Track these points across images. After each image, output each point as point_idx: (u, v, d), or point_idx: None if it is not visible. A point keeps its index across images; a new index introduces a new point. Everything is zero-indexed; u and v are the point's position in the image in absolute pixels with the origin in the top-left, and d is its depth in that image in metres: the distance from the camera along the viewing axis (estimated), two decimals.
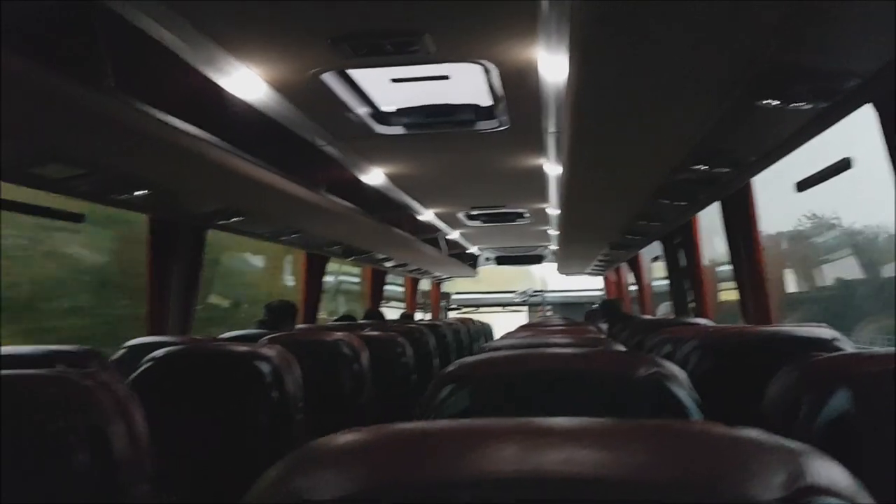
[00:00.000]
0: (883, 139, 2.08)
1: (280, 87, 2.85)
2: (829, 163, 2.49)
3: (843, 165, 2.49)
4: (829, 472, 0.59)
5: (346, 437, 0.68)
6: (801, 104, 1.92)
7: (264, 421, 2.27)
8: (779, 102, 1.91)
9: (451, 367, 1.63)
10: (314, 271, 6.01)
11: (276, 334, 3.12)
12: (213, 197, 3.40)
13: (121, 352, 3.22)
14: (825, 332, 2.13)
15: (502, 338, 3.33)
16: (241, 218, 3.68)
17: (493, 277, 13.38)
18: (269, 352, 2.32)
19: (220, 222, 3.78)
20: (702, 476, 0.57)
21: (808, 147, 2.49)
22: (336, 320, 6.09)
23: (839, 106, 2.00)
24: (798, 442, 0.63)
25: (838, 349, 2.03)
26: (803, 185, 2.70)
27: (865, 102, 2.05)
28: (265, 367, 2.28)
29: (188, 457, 2.34)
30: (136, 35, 2.18)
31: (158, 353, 2.46)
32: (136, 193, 3.08)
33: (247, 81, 2.73)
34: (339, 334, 3.05)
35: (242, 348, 2.39)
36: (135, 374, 2.41)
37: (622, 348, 2.39)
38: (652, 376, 1.45)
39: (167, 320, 3.83)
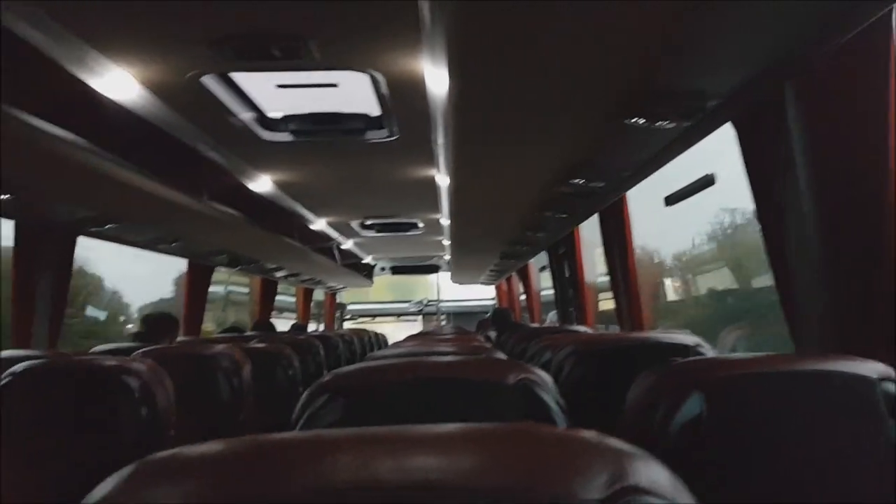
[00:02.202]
0: (742, 156, 2.22)
1: (156, 90, 2.74)
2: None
3: (708, 181, 2.64)
4: (650, 472, 0.62)
5: (179, 452, 0.66)
6: (665, 123, 2.02)
7: (133, 439, 2.17)
8: (645, 121, 2.01)
9: (325, 378, 1.61)
10: (198, 281, 5.81)
11: (150, 347, 2.99)
12: (83, 202, 3.23)
13: None
14: (688, 338, 2.25)
15: (389, 347, 3.33)
16: (114, 224, 3.51)
17: (392, 287, 13.39)
18: (138, 366, 2.22)
19: (92, 229, 3.59)
20: (525, 478, 0.59)
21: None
22: (221, 332, 5.90)
23: (702, 125, 2.13)
24: (624, 442, 0.65)
25: (699, 354, 2.14)
26: (671, 200, 2.84)
27: (726, 121, 2.19)
28: (133, 383, 2.17)
29: (49, 479, 2.20)
30: None
31: (17, 367, 2.30)
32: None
33: (120, 82, 2.61)
34: (218, 347, 2.95)
35: (109, 362, 2.27)
36: None
37: (502, 356, 2.43)
38: (520, 382, 1.48)
39: (33, 333, 3.60)
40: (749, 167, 2.19)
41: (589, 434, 0.66)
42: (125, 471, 0.64)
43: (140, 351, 2.85)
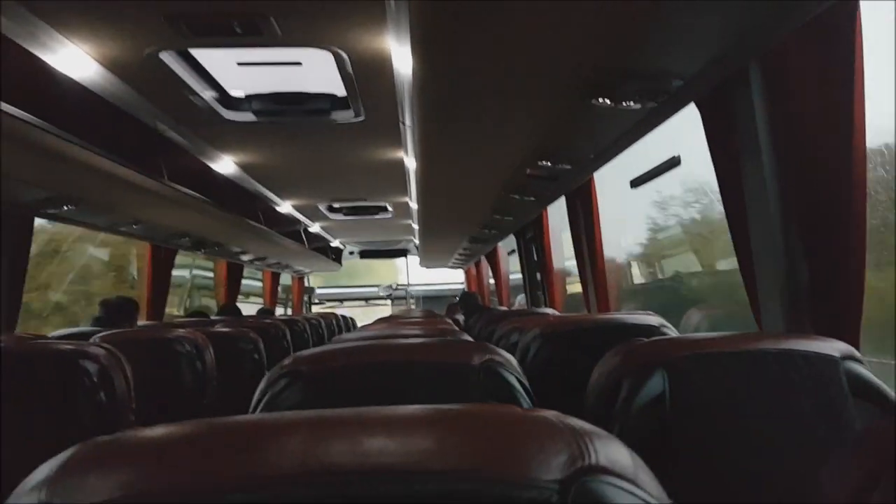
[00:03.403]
0: (706, 138, 2.23)
1: (113, 67, 2.66)
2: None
3: (674, 163, 2.65)
4: (609, 451, 0.60)
5: (123, 435, 0.63)
6: (630, 104, 2.01)
7: (90, 424, 2.11)
8: (610, 102, 2.00)
9: (286, 361, 1.58)
10: (160, 264, 5.69)
11: (109, 332, 2.92)
12: (40, 183, 3.14)
13: None
14: (652, 319, 2.27)
15: (356, 330, 3.30)
16: (72, 206, 3.41)
17: (360, 270, 13.32)
18: (95, 350, 2.16)
19: (50, 211, 3.49)
20: (483, 459, 0.57)
21: None
22: (186, 317, 5.81)
23: (666, 105, 2.12)
24: (585, 422, 0.64)
25: (663, 335, 2.16)
26: (636, 182, 2.85)
27: (689, 102, 2.19)
28: (91, 367, 2.12)
29: (3, 464, 2.14)
30: None
31: None
32: None
33: (75, 59, 2.53)
34: (180, 331, 2.90)
35: (66, 346, 2.21)
36: None
37: (468, 338, 2.42)
38: (484, 364, 1.47)
39: None
40: (713, 148, 2.19)
41: (549, 414, 0.65)
42: (66, 453, 0.62)
43: (99, 335, 2.79)
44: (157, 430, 0.64)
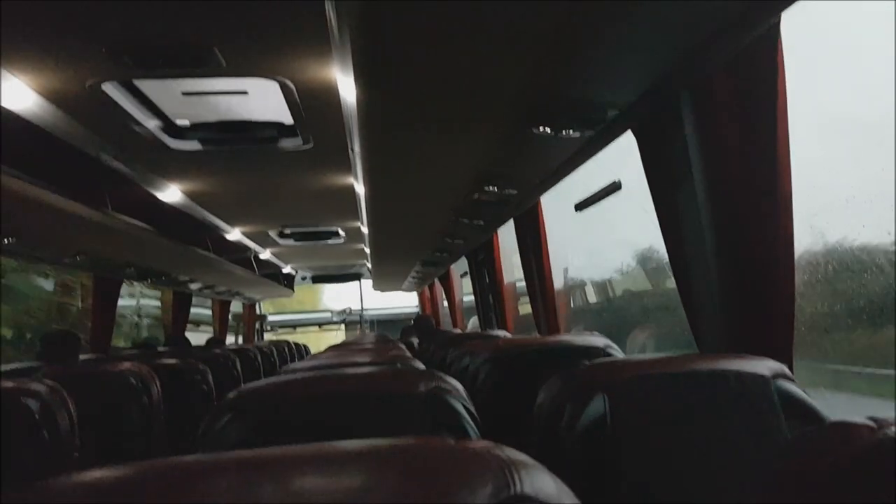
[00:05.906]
0: (642, 163, 2.30)
1: (54, 98, 2.63)
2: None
3: (615, 187, 2.72)
4: (535, 479, 0.63)
5: (50, 483, 0.63)
6: (569, 132, 2.07)
7: (33, 464, 2.06)
8: (550, 130, 2.06)
9: (231, 394, 1.57)
10: (105, 296, 5.55)
11: (52, 367, 2.85)
12: None
13: None
14: (598, 340, 2.32)
15: (306, 359, 3.28)
16: (12, 240, 3.33)
17: (314, 296, 13.22)
18: (38, 387, 2.11)
19: None
20: (411, 494, 0.59)
21: None
22: (132, 348, 5.69)
23: (603, 133, 2.19)
24: (515, 450, 0.66)
25: (609, 356, 2.21)
26: (581, 206, 2.92)
27: (626, 129, 2.26)
28: (33, 405, 2.07)
29: None
30: None
31: None
32: None
33: (15, 92, 2.49)
34: (125, 364, 2.85)
35: (6, 384, 2.15)
36: None
37: (419, 365, 2.43)
38: (430, 392, 1.49)
39: None
40: (648, 174, 2.26)
41: (480, 445, 0.67)
42: None
43: (41, 371, 2.72)
44: (89, 476, 0.64)
